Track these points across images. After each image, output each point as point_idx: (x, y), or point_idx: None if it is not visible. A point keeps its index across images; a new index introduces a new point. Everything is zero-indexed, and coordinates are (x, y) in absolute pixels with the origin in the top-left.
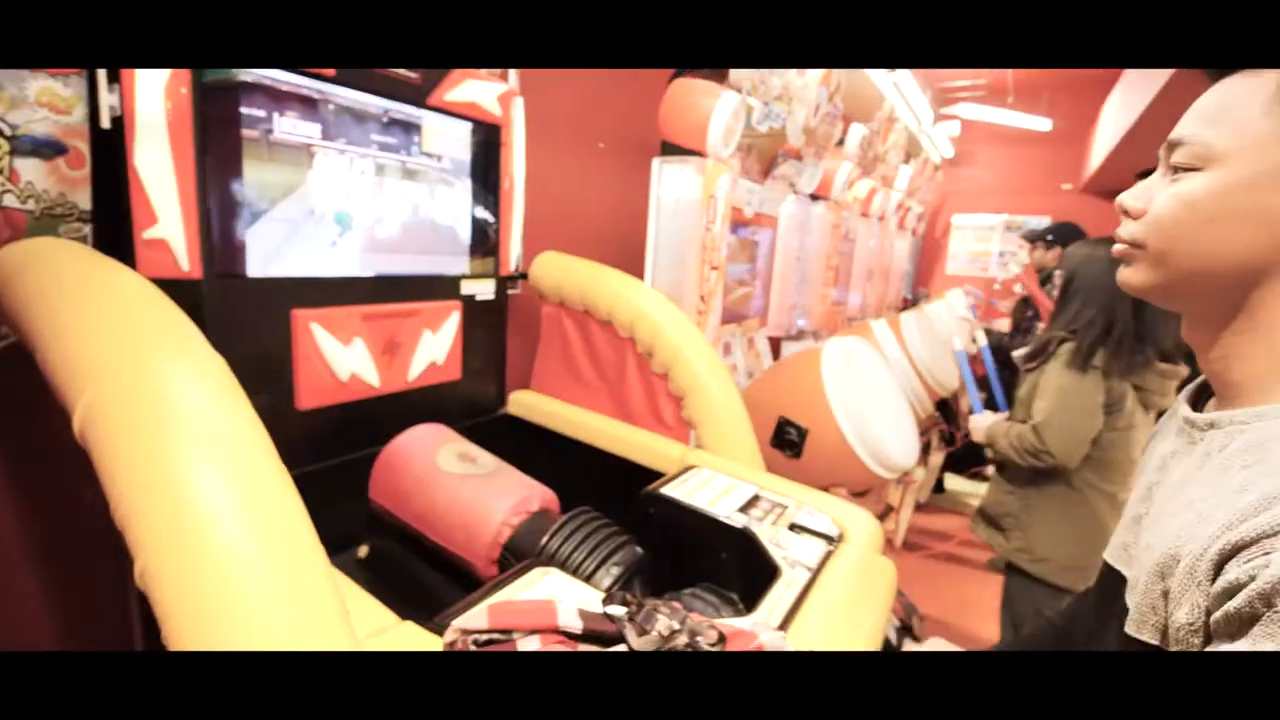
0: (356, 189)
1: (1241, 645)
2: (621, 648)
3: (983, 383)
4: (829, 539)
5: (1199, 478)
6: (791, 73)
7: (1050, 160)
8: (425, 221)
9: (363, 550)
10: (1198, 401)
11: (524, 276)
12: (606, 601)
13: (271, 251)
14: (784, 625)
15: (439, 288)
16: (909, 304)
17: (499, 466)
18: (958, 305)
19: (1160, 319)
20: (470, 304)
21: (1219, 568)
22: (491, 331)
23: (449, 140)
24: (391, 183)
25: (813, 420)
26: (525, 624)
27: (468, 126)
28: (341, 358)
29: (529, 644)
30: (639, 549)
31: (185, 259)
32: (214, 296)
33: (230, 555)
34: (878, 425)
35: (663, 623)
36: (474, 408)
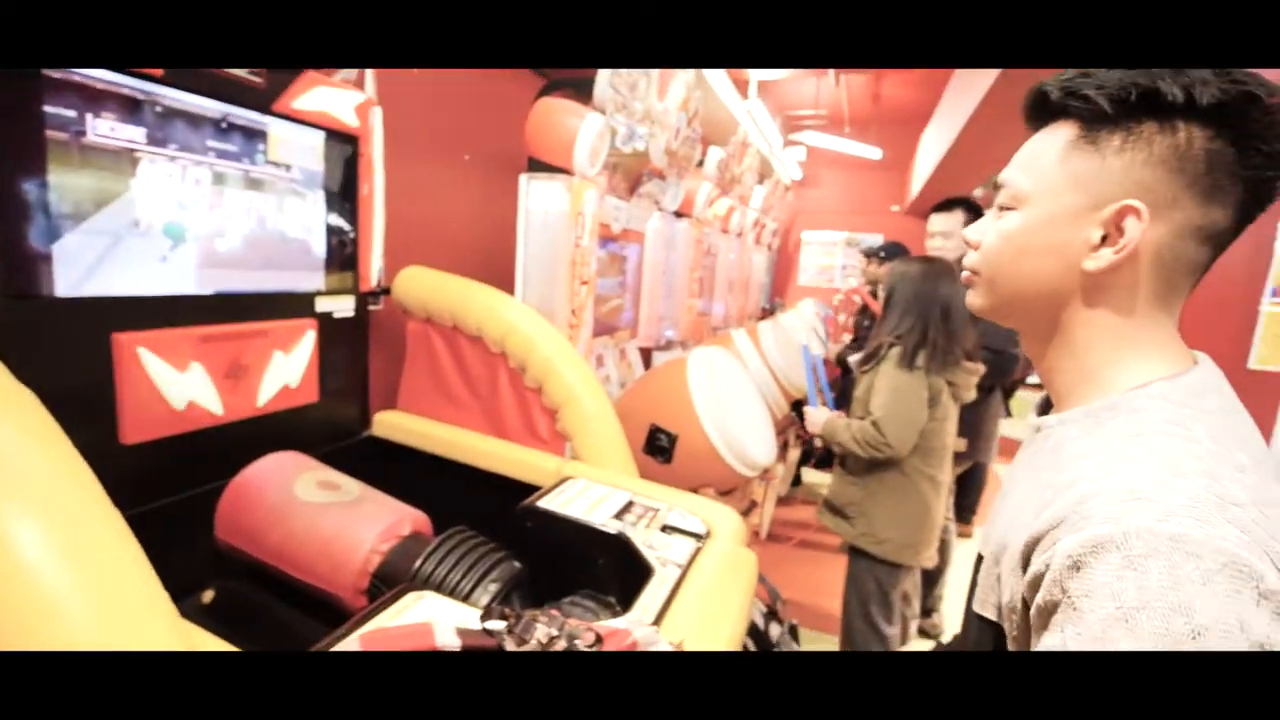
0: (190, 199)
1: (1053, 633)
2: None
3: (830, 385)
4: (697, 536)
5: (1026, 475)
6: (653, 97)
7: (881, 184)
8: (273, 235)
9: (207, 595)
10: (1047, 409)
11: (386, 292)
12: (485, 618)
13: (86, 268)
14: (658, 620)
15: (291, 305)
16: (766, 313)
17: (365, 492)
18: (808, 314)
19: (962, 324)
20: (327, 322)
21: (1027, 558)
22: (352, 350)
23: (299, 149)
24: (233, 193)
25: (681, 426)
26: (402, 648)
27: (320, 135)
28: (176, 384)
29: None
30: (516, 563)
31: None
32: (12, 321)
33: (56, 613)
34: (739, 428)
35: (541, 631)
36: (335, 431)
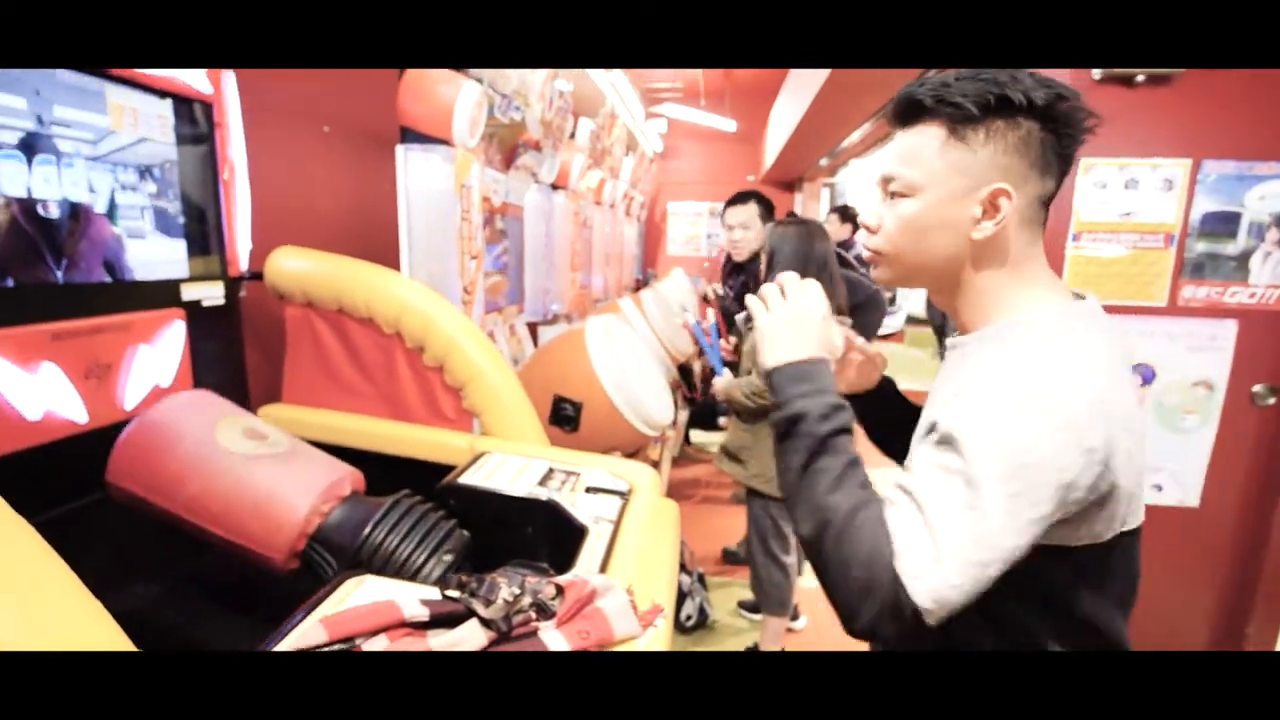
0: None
1: (924, 449)
2: (473, 623)
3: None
4: (621, 494)
5: (940, 383)
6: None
7: (737, 155)
8: (123, 215)
9: None
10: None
11: (258, 276)
12: (444, 588)
13: None
14: (602, 572)
15: (153, 294)
16: (640, 284)
17: (295, 445)
18: (682, 282)
19: (830, 283)
20: (196, 311)
21: (929, 431)
22: (226, 342)
23: (147, 120)
24: (69, 171)
25: (585, 394)
26: (369, 626)
27: (168, 104)
28: (25, 391)
29: (375, 645)
30: (465, 532)
31: None
32: None
33: None
34: (640, 390)
35: (505, 590)
36: None
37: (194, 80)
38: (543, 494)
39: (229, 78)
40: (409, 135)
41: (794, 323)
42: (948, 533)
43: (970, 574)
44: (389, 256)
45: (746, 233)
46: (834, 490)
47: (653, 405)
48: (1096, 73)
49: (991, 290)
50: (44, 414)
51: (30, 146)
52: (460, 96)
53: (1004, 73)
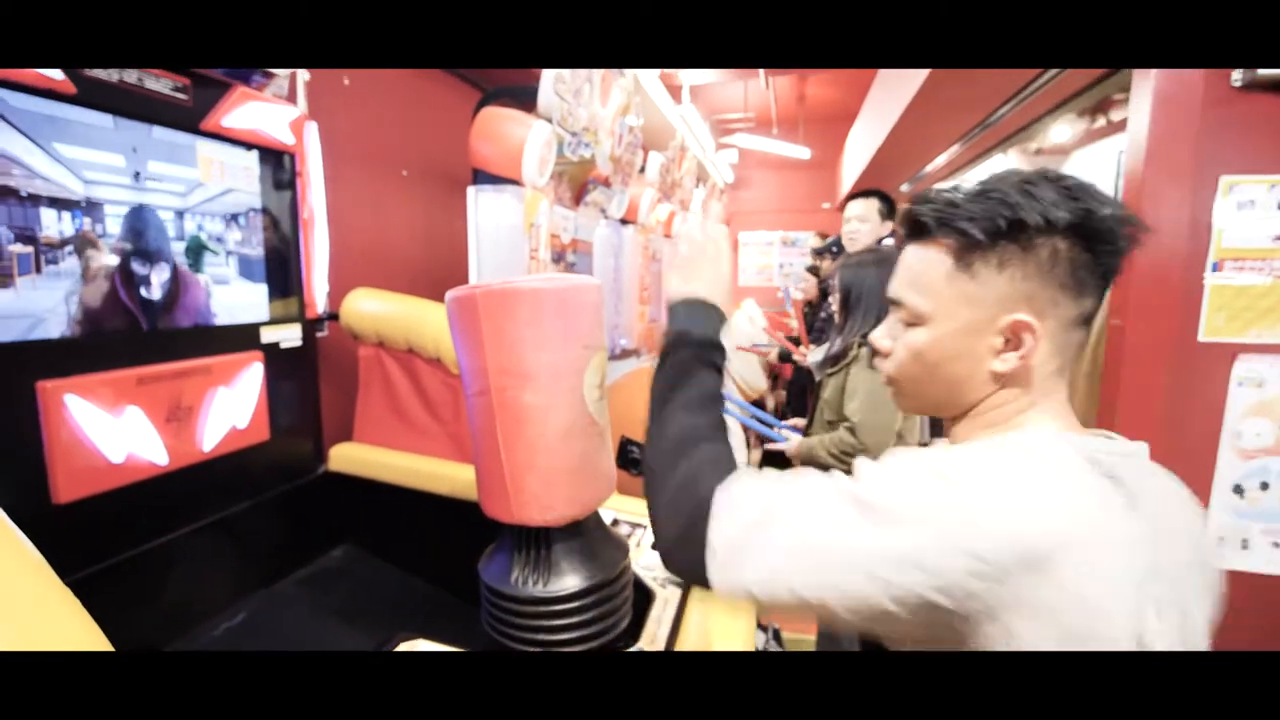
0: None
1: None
2: None
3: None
4: None
5: None
6: (596, 103)
7: (811, 182)
8: (208, 263)
9: None
10: None
11: (334, 318)
12: None
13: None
14: (670, 644)
15: (234, 338)
16: None
17: None
18: (756, 315)
19: None
20: (274, 353)
21: None
22: (302, 382)
23: (233, 171)
24: (161, 222)
25: None
26: None
27: (254, 155)
28: (111, 434)
29: None
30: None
31: None
32: None
33: None
34: None
35: None
36: (289, 470)
37: (278, 133)
38: None
39: (311, 129)
40: (480, 177)
41: (711, 268)
42: (785, 514)
43: (770, 562)
44: None
45: (863, 225)
46: (694, 411)
47: None
48: (1237, 76)
49: (1001, 416)
50: (126, 456)
51: (128, 202)
52: (530, 136)
53: (1020, 187)
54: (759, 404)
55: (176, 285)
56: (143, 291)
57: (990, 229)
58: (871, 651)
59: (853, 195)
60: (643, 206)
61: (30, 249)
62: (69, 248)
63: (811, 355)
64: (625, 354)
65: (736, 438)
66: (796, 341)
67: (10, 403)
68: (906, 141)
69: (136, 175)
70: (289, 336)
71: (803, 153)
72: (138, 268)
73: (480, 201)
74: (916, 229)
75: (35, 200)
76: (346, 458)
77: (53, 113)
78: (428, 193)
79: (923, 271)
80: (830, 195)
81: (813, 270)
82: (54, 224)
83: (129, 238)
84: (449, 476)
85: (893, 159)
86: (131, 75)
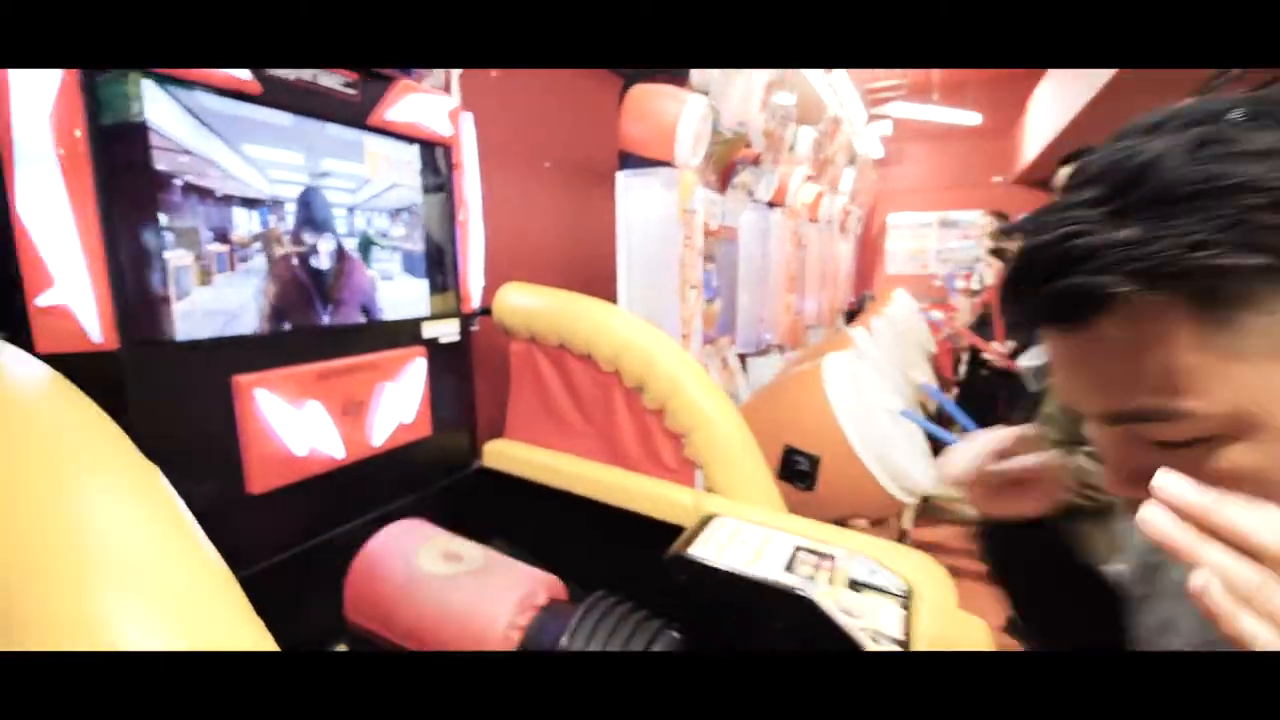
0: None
1: None
2: None
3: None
4: (900, 597)
5: None
6: (748, 73)
7: (979, 153)
8: (376, 258)
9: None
10: None
11: (487, 312)
12: None
13: (202, 308)
14: None
15: (398, 333)
16: (855, 308)
17: (489, 558)
18: (910, 307)
19: None
20: (434, 348)
21: None
22: (459, 378)
23: (397, 166)
24: (336, 219)
25: (823, 447)
26: None
27: (415, 149)
28: (296, 427)
29: None
30: (674, 633)
31: (96, 327)
32: (135, 369)
33: None
34: (893, 446)
35: None
36: (447, 465)
37: (437, 124)
38: (793, 583)
39: (466, 119)
40: (629, 161)
41: None
42: None
43: None
44: (607, 289)
45: None
46: None
47: (911, 464)
48: None
49: None
50: (309, 450)
51: (306, 200)
52: (685, 112)
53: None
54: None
55: (342, 265)
56: (314, 278)
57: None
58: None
59: (1067, 158)
60: (791, 187)
61: (226, 248)
62: (257, 245)
63: (1025, 358)
64: (768, 349)
65: (924, 450)
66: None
67: (210, 397)
68: (1122, 95)
69: (315, 173)
70: (448, 331)
71: (973, 118)
72: (311, 253)
73: (629, 188)
74: (1083, 304)
75: (229, 200)
76: (499, 454)
77: (240, 113)
78: (571, 183)
79: (1153, 361)
80: (1004, 167)
81: (997, 253)
82: (245, 223)
83: (304, 226)
84: (605, 483)
85: (1099, 121)
86: (307, 73)
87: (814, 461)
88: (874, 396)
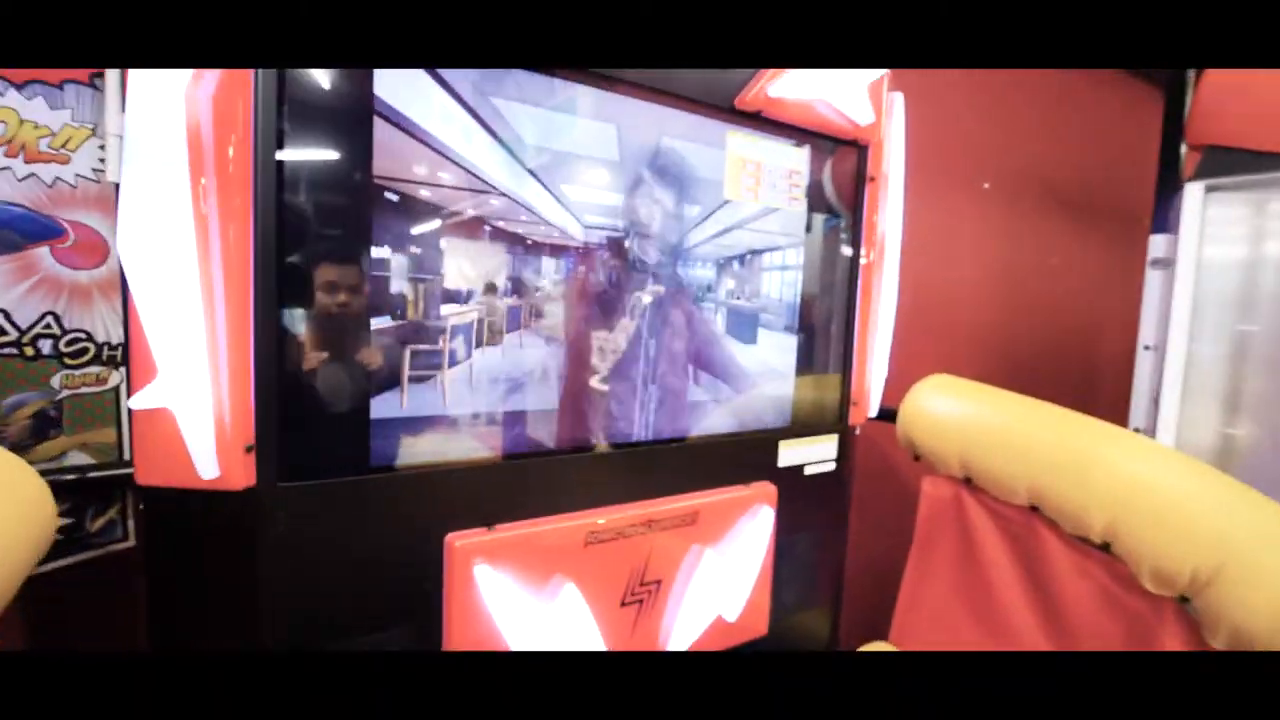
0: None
1: None
2: None
3: None
4: None
5: None
6: None
7: None
8: (701, 337)
9: None
10: None
11: (890, 418)
12: None
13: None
14: None
15: (736, 459)
16: None
17: None
18: None
19: None
20: (791, 483)
21: None
22: (826, 532)
23: (771, 178)
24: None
25: None
26: None
27: (805, 151)
28: (534, 626)
29: None
30: None
31: (212, 457)
32: (280, 521)
33: None
34: None
35: None
36: None
37: (847, 104)
38: None
39: (897, 100)
40: (1209, 166)
41: None
42: None
43: None
44: (1113, 391)
45: None
46: None
47: None
48: None
49: None
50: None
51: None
52: None
53: None
54: None
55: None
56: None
57: None
58: None
59: None
60: None
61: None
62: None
63: None
64: None
65: None
66: None
67: (412, 566)
68: None
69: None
70: (821, 455)
71: None
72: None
73: (1208, 217)
74: None
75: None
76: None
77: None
78: (1030, 215)
79: None
80: None
81: None
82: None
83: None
84: None
85: None
86: None
87: None
88: None
